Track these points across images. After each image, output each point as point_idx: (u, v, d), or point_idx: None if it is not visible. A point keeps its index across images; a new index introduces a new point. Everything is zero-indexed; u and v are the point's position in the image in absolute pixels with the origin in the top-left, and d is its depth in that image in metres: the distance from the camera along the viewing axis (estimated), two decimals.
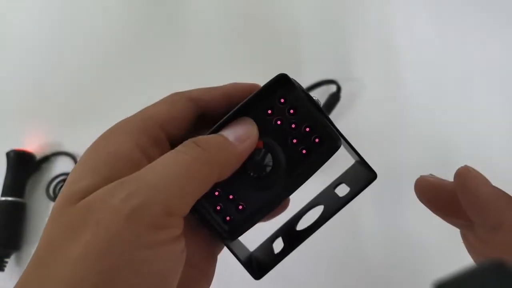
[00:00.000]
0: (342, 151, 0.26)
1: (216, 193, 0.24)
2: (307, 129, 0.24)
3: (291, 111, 0.24)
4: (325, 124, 0.24)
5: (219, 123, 0.24)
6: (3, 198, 0.50)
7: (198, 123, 0.25)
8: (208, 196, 0.23)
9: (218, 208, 0.24)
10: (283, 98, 0.24)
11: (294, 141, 0.24)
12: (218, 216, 0.24)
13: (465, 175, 0.23)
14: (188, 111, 0.25)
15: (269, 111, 0.24)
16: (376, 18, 0.58)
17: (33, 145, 0.53)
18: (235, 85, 0.26)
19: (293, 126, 0.24)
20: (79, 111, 0.56)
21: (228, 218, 0.24)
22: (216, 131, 0.24)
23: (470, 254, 0.27)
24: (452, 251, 0.31)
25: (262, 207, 0.24)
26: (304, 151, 0.24)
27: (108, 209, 0.19)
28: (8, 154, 0.52)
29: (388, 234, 0.49)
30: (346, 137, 0.25)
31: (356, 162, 0.28)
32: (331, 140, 0.24)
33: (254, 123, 0.24)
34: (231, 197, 0.24)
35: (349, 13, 0.58)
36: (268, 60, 0.57)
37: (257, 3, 0.60)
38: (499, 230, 0.22)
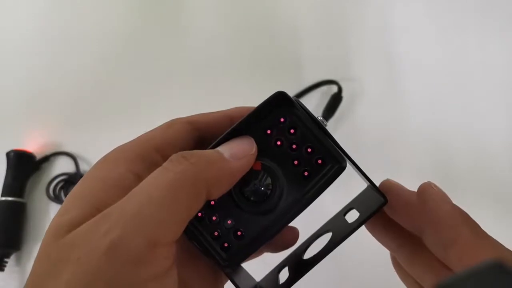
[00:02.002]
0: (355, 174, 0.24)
1: (214, 218, 0.23)
2: (309, 150, 0.23)
3: (291, 130, 0.23)
4: (328, 144, 0.23)
5: (214, 143, 0.22)
6: (3, 198, 0.50)
7: (199, 147, 0.24)
8: (205, 221, 0.22)
9: (216, 234, 0.23)
10: (282, 117, 0.23)
11: (295, 162, 0.23)
12: (215, 242, 0.23)
13: (427, 191, 0.24)
14: (186, 133, 0.24)
15: (268, 131, 0.23)
16: (376, 18, 0.58)
17: (33, 145, 0.53)
18: (237, 109, 0.25)
19: (293, 146, 0.23)
20: (79, 111, 0.56)
21: (226, 244, 0.23)
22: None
23: (403, 278, 0.28)
24: None
25: (262, 234, 0.23)
26: (306, 174, 0.23)
27: (88, 245, 0.18)
28: (8, 154, 0.52)
29: None
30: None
31: (368, 186, 0.26)
32: (335, 161, 0.22)
33: (253, 141, 0.22)
34: (229, 222, 0.23)
35: (349, 13, 0.58)
36: (268, 60, 0.57)
37: (257, 4, 0.60)
38: (453, 245, 0.22)
